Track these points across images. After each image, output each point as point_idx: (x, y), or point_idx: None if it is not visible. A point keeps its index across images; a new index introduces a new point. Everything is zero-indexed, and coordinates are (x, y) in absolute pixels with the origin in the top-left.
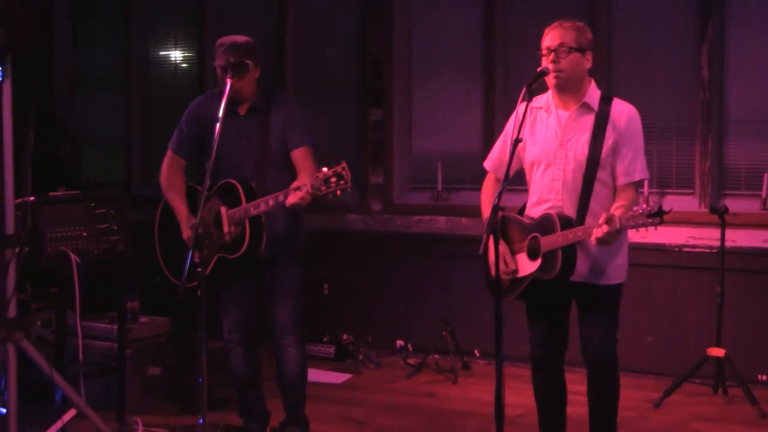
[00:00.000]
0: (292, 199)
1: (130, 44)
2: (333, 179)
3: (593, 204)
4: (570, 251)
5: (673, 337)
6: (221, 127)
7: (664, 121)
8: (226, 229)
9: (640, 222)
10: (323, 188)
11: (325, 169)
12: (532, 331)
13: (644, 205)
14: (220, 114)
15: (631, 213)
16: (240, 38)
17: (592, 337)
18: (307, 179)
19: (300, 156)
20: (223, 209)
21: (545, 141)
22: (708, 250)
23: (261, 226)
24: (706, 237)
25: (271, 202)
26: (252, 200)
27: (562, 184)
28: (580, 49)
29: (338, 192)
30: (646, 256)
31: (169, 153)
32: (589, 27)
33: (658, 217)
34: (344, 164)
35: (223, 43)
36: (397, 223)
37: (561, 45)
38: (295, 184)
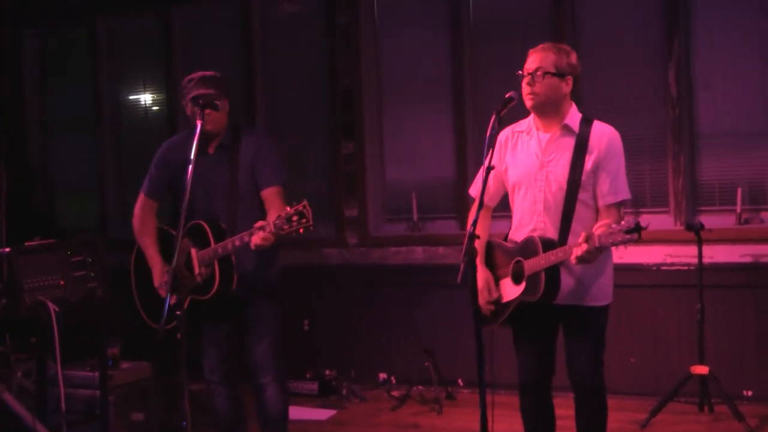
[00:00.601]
0: (255, 240)
1: (99, 89)
2: (294, 218)
3: (576, 225)
4: (553, 273)
5: (655, 357)
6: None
7: (636, 140)
8: (196, 270)
9: (619, 239)
10: (285, 227)
11: (288, 208)
12: (520, 357)
13: (622, 222)
14: (192, 155)
15: (609, 230)
16: (208, 72)
17: (578, 360)
18: (271, 219)
19: (269, 195)
20: (193, 251)
21: (526, 163)
22: (686, 268)
23: (231, 267)
24: (683, 254)
25: (237, 243)
26: (221, 240)
27: (543, 206)
28: (559, 74)
29: (301, 230)
30: (625, 276)
31: (141, 196)
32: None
33: (636, 232)
34: (305, 203)
35: (192, 78)
36: (375, 255)
37: (538, 69)
38: (258, 224)
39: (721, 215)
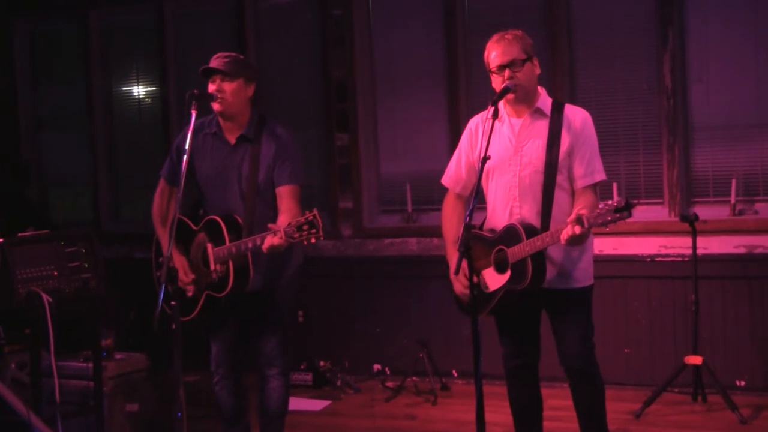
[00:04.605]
0: (267, 245)
1: (91, 81)
2: (305, 227)
3: (554, 210)
4: (539, 259)
5: (650, 347)
6: (210, 152)
7: (630, 131)
8: (212, 266)
9: (609, 218)
10: (296, 235)
11: (299, 217)
12: (504, 344)
13: (609, 202)
14: (188, 144)
15: (598, 210)
16: (227, 53)
17: (571, 340)
18: (284, 222)
19: (285, 194)
20: (209, 246)
21: (500, 149)
22: (680, 259)
23: (247, 266)
24: (678, 245)
25: (250, 245)
26: (236, 235)
27: (519, 190)
28: (529, 58)
29: (312, 240)
30: (619, 268)
31: (161, 182)
32: (530, 34)
33: (625, 211)
34: (315, 212)
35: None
36: (369, 247)
37: (513, 61)
38: (270, 228)
39: (716, 206)
